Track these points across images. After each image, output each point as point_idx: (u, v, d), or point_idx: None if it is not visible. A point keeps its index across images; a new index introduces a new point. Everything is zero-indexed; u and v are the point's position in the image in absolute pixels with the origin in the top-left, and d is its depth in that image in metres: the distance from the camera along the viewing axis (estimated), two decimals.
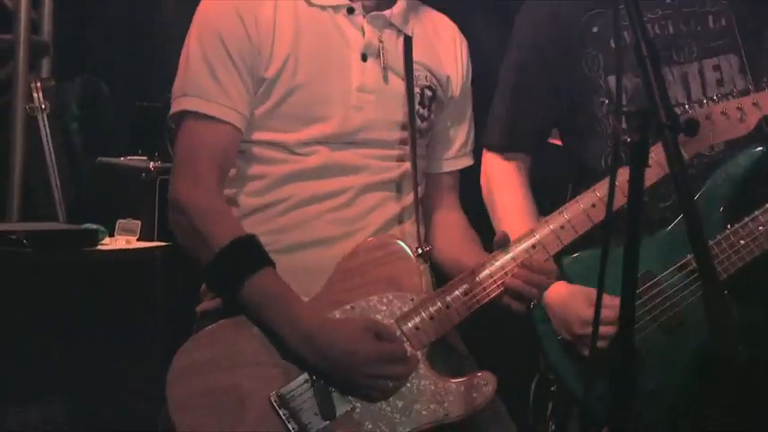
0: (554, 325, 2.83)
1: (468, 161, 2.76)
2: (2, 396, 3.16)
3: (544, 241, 2.45)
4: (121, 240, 3.66)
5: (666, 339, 2.81)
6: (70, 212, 4.33)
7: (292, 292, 2.36)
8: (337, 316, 2.39)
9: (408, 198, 2.56)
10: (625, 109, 2.01)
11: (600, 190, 2.49)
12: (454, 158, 2.73)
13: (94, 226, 3.60)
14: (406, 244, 2.48)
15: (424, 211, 2.67)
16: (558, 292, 2.78)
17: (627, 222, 1.93)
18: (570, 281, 2.82)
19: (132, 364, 3.33)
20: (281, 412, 2.33)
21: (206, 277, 2.42)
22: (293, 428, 2.32)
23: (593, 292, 2.76)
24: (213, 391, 2.32)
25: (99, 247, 3.54)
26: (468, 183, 2.88)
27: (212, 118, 2.42)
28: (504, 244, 2.45)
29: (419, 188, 2.58)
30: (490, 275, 2.42)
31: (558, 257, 2.67)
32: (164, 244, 3.65)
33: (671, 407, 2.82)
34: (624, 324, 1.91)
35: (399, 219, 2.55)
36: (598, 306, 1.98)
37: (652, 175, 2.44)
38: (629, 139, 1.89)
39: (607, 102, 2.84)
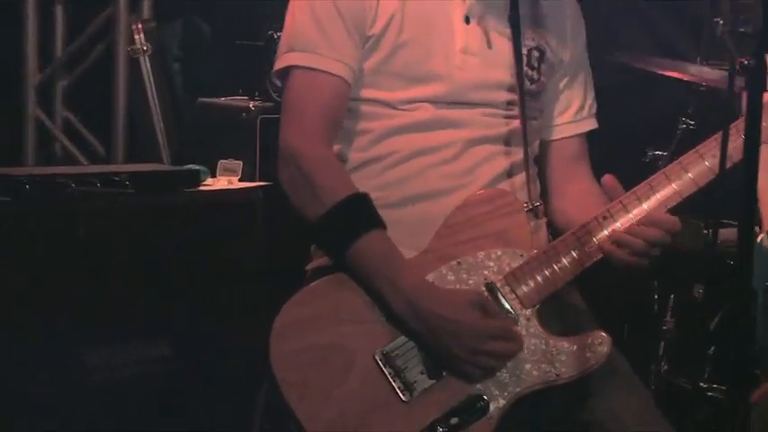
0: None
1: (590, 124, 2.65)
2: (103, 334, 3.17)
3: (663, 198, 2.34)
4: (223, 180, 3.65)
5: None
6: (173, 154, 4.35)
7: (400, 255, 2.31)
8: (443, 272, 2.33)
9: (518, 154, 2.48)
10: (741, 29, 1.87)
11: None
12: (572, 122, 2.63)
13: (197, 166, 3.59)
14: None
15: (551, 185, 2.61)
16: None
17: (744, 160, 1.81)
18: None
19: (234, 304, 3.32)
20: (385, 370, 2.28)
21: (315, 231, 2.37)
22: (398, 387, 2.27)
23: None
24: (316, 348, 2.28)
25: (201, 187, 3.52)
26: None
27: (321, 71, 2.40)
28: (615, 191, 2.34)
29: (530, 148, 2.51)
30: (606, 234, 2.32)
31: None
32: (265, 184, 3.63)
33: None
34: (741, 265, 1.80)
35: (509, 173, 2.48)
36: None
37: None
38: (746, 62, 1.77)
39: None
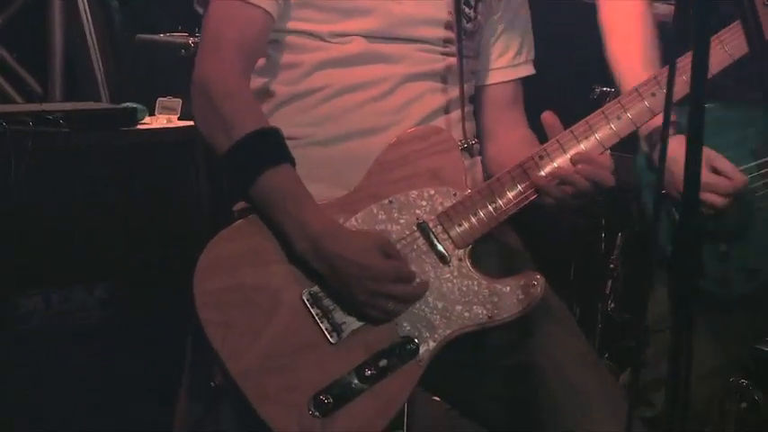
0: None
1: (527, 70, 2.58)
2: (39, 279, 3.12)
3: (601, 137, 2.29)
4: (162, 119, 3.58)
5: None
6: (111, 92, 4.26)
7: (307, 193, 2.23)
8: (374, 210, 2.27)
9: (454, 91, 2.41)
10: None
11: (661, 77, 2.30)
12: (508, 67, 2.56)
13: (134, 105, 3.51)
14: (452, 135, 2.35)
15: (485, 130, 2.54)
16: (674, 147, 2.65)
17: (691, 92, 1.75)
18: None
19: (174, 245, 3.26)
20: (313, 311, 2.22)
21: (222, 165, 2.28)
22: (326, 328, 2.22)
23: (712, 152, 2.56)
24: (241, 288, 2.21)
25: (139, 126, 3.45)
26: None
27: (243, 1, 2.30)
28: (554, 128, 2.29)
29: (467, 86, 2.43)
30: (543, 174, 2.27)
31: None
32: None
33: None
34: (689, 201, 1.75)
35: (445, 109, 2.41)
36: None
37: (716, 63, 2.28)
38: None
39: None
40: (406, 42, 2.36)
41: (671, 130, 2.66)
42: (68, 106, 3.57)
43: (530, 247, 2.52)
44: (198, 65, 2.32)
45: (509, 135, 2.54)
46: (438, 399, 3.19)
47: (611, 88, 4.06)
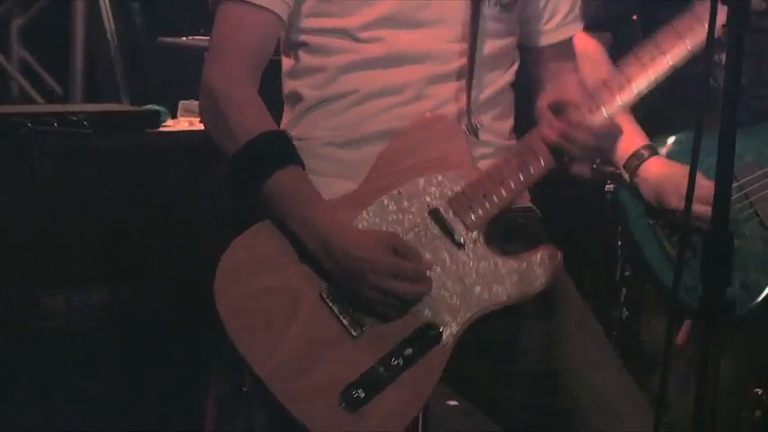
0: (646, 200, 2.75)
1: (576, 28, 2.55)
2: (60, 278, 3.15)
3: (607, 111, 2.28)
4: (184, 122, 3.59)
5: (763, 234, 2.71)
6: (132, 94, 4.29)
7: (316, 192, 2.25)
8: (385, 202, 2.27)
9: (478, 89, 2.36)
10: None
11: (662, 40, 2.28)
12: (557, 29, 2.51)
13: (157, 107, 3.52)
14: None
15: (534, 84, 2.52)
16: (655, 166, 2.73)
17: (724, 96, 1.76)
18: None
19: (194, 248, 3.28)
20: (333, 307, 2.23)
21: (231, 170, 2.29)
22: (347, 323, 2.23)
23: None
24: (262, 292, 2.23)
25: (161, 128, 3.47)
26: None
27: (252, 5, 2.29)
28: (559, 110, 2.28)
29: (501, 72, 2.41)
30: (546, 146, 2.27)
31: (655, 137, 2.77)
32: None
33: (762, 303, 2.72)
34: (719, 205, 1.76)
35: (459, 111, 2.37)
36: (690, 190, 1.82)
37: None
38: None
39: None
40: (430, 27, 2.33)
41: (645, 153, 2.76)
42: (92, 108, 3.59)
43: None
44: (204, 70, 2.34)
45: (557, 84, 2.51)
46: (455, 403, 3.22)
47: None
